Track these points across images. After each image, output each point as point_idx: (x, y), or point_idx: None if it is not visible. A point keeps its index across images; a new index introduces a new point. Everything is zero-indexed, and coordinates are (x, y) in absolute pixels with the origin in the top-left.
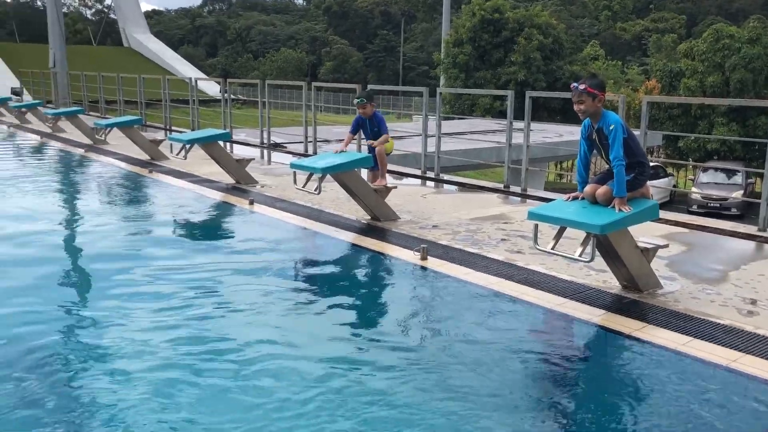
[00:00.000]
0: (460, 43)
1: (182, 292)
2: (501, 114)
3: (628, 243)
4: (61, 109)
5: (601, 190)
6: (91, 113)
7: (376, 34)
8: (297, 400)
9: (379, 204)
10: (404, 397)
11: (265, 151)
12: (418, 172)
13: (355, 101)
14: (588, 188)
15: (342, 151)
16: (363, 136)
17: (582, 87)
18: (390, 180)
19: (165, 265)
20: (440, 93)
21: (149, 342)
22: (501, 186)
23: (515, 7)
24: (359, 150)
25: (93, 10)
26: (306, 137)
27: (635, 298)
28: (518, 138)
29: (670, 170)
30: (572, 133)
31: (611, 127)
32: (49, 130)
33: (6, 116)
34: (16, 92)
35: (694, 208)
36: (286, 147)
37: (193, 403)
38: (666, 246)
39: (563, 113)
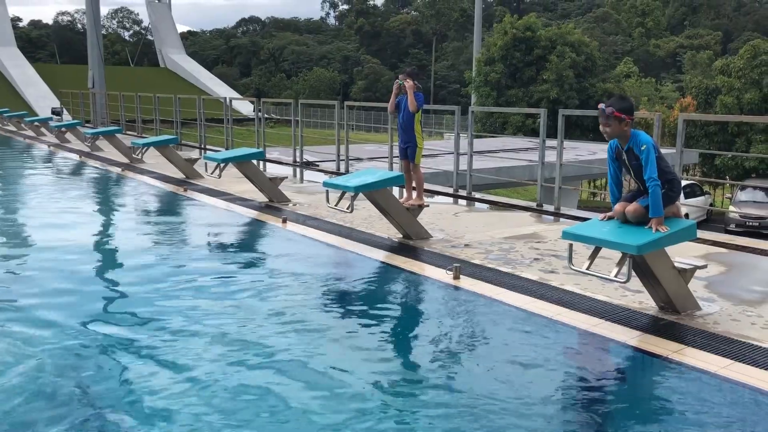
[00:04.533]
0: (491, 61)
1: (213, 309)
2: (533, 132)
3: (665, 263)
4: (100, 129)
5: (631, 207)
6: (128, 132)
7: (408, 53)
8: (324, 421)
9: (411, 222)
10: (431, 418)
11: (298, 170)
12: (450, 191)
13: (401, 78)
14: (617, 206)
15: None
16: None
17: (609, 110)
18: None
19: (197, 281)
20: (472, 111)
21: (179, 359)
22: (534, 204)
23: (547, 25)
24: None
25: (131, 31)
26: (338, 156)
27: (672, 320)
28: (551, 156)
29: (706, 188)
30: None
31: (643, 148)
32: (87, 149)
33: (47, 136)
34: (56, 112)
35: (732, 227)
36: (318, 165)
37: (217, 418)
38: (704, 266)
39: (596, 131)
